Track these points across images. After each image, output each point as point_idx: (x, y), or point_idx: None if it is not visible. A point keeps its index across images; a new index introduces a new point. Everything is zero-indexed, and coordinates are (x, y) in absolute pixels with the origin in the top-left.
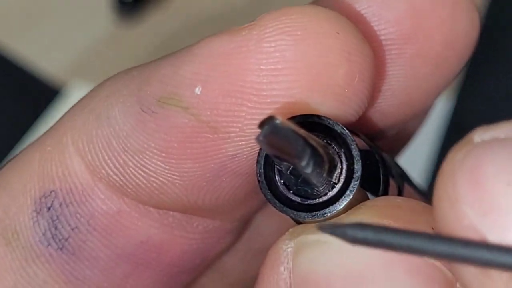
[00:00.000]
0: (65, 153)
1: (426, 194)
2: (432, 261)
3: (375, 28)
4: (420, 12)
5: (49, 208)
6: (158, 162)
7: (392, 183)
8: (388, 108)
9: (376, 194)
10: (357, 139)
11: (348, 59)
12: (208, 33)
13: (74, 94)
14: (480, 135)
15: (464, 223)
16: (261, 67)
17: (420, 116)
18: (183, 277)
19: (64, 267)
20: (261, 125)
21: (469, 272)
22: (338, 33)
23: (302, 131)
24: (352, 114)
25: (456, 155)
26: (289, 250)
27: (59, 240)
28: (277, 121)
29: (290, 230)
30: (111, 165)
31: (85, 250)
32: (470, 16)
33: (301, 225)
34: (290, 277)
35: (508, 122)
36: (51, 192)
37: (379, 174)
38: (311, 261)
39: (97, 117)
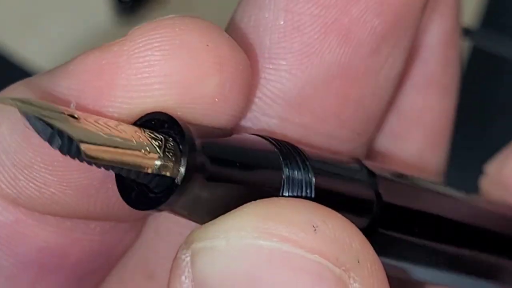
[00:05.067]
0: None
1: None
2: (318, 259)
3: None
4: None
5: None
6: (47, 175)
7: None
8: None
9: (271, 195)
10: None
11: (219, 70)
12: None
13: None
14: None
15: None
16: (132, 82)
17: None
18: (91, 277)
19: None
20: None
21: None
22: (207, 45)
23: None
24: (227, 119)
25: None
26: (187, 259)
27: None
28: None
29: (186, 237)
30: (3, 179)
31: None
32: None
33: (194, 231)
34: (192, 285)
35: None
36: None
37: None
38: (203, 268)
39: None
